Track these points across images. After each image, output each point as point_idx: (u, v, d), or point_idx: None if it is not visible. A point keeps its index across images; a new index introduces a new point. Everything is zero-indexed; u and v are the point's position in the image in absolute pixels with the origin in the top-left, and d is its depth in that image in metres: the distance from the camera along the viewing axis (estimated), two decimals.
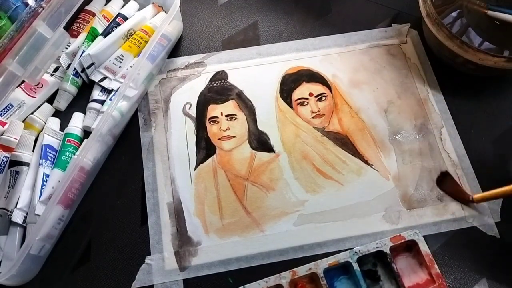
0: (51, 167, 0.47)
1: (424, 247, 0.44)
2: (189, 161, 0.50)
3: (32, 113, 0.51)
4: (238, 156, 0.50)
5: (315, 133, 0.52)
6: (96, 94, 0.52)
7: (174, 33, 0.55)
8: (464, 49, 0.48)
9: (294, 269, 0.43)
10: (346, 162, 0.50)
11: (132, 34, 0.54)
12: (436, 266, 0.43)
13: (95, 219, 0.47)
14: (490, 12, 0.53)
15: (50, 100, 0.52)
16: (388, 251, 0.43)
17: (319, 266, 0.43)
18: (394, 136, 0.52)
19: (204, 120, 0.52)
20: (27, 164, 0.47)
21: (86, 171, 0.46)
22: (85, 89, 0.53)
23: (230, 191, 0.49)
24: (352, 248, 0.44)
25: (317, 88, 0.54)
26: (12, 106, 0.50)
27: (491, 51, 0.47)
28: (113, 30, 0.53)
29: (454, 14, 0.55)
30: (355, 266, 0.43)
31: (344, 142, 0.51)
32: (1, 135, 0.48)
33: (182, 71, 0.56)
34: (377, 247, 0.44)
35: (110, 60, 0.52)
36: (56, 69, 0.53)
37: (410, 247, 0.45)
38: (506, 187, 0.44)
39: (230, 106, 0.53)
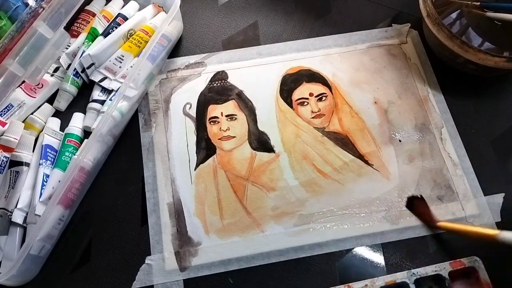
0: (51, 167, 0.47)
1: (484, 276, 0.43)
2: (189, 161, 0.50)
3: (32, 113, 0.51)
4: (238, 156, 0.50)
5: (316, 133, 0.52)
6: (96, 94, 0.52)
7: (174, 33, 0.55)
8: (464, 49, 0.48)
9: (350, 283, 0.43)
10: (346, 162, 0.50)
11: (132, 34, 0.54)
12: None
13: (95, 219, 0.47)
14: (489, 13, 0.53)
15: (50, 100, 0.52)
16: (446, 276, 0.43)
17: (376, 284, 0.42)
18: (394, 136, 0.52)
19: (204, 120, 0.52)
20: (27, 164, 0.47)
21: (86, 171, 0.46)
22: (85, 89, 0.53)
23: (230, 191, 0.49)
24: (411, 269, 0.43)
25: (317, 88, 0.54)
26: (12, 106, 0.50)
27: (491, 51, 0.47)
28: (113, 30, 0.53)
29: (454, 14, 0.55)
30: (412, 287, 0.42)
31: (344, 142, 0.51)
32: (1, 135, 0.48)
33: (182, 71, 0.56)
34: (435, 271, 0.43)
35: (110, 60, 0.52)
36: (56, 69, 0.53)
37: (468, 273, 0.45)
38: (471, 227, 0.44)
39: (230, 106, 0.53)
